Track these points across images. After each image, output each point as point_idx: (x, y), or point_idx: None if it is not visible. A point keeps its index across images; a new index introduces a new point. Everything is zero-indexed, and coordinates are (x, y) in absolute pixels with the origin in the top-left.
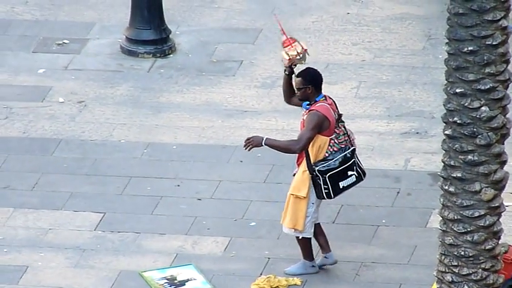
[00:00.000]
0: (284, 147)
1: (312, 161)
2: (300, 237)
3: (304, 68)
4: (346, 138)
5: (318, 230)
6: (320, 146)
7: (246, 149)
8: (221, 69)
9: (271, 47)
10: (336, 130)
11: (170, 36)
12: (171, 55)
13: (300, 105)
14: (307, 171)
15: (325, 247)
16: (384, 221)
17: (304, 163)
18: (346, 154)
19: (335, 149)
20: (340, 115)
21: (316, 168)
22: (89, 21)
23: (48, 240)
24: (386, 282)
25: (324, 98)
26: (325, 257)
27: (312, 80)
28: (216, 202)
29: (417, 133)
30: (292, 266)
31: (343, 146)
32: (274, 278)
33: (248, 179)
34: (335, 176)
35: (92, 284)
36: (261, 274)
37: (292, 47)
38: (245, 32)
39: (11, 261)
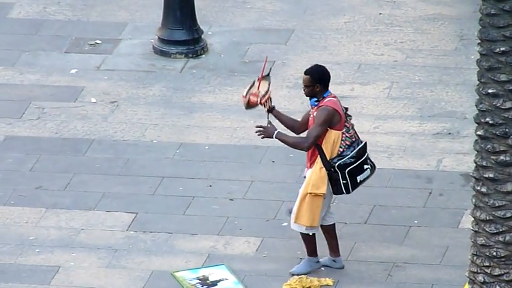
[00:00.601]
0: (292, 143)
1: (328, 158)
2: (311, 234)
3: (313, 65)
4: (354, 132)
5: (332, 233)
6: (334, 140)
7: (257, 134)
8: (253, 70)
9: (303, 48)
10: (346, 124)
11: (202, 36)
12: (203, 55)
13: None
14: (324, 168)
15: (335, 251)
16: (416, 221)
17: (318, 161)
18: (360, 148)
19: (347, 143)
20: (346, 109)
21: (335, 164)
22: (121, 22)
23: (81, 240)
24: (418, 282)
25: (330, 94)
26: (333, 260)
27: (321, 79)
28: (248, 202)
29: (449, 134)
30: (297, 265)
31: (353, 139)
32: (306, 279)
33: (280, 179)
34: (353, 170)
35: (124, 284)
36: (293, 274)
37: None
38: (277, 33)
39: (43, 261)
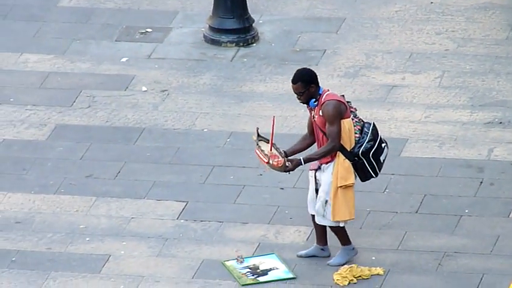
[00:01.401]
0: (322, 154)
1: (348, 148)
2: (342, 225)
3: (297, 71)
4: (358, 116)
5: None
6: (348, 129)
7: (288, 173)
8: (304, 59)
9: (355, 36)
10: (351, 109)
11: (253, 25)
12: (254, 44)
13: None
14: (347, 160)
15: (323, 240)
16: (466, 211)
17: (339, 154)
18: (372, 129)
19: (358, 127)
20: (343, 96)
21: (359, 152)
22: (172, 10)
23: (131, 229)
24: (469, 272)
25: (323, 89)
26: (322, 249)
27: (311, 79)
28: (299, 191)
29: (500, 123)
30: (334, 257)
31: (362, 123)
32: (357, 268)
33: None
34: (376, 152)
35: (174, 273)
36: (343, 264)
37: (272, 154)
38: (328, 21)
39: (93, 250)
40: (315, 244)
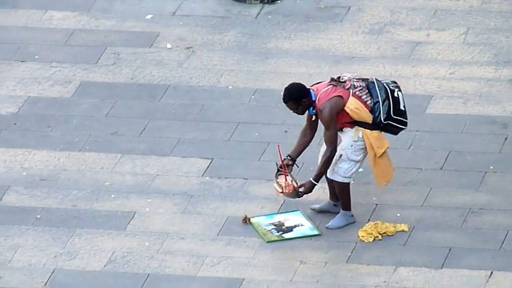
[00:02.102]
0: (327, 162)
1: (370, 121)
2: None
3: (285, 89)
4: (357, 80)
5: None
6: (357, 107)
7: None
8: (329, 16)
9: None
10: (347, 88)
11: None
12: (279, 1)
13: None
14: (374, 131)
15: (336, 196)
16: (491, 167)
17: (361, 129)
18: (379, 88)
19: (364, 93)
20: (338, 77)
21: (382, 120)
22: None
23: (156, 186)
24: (494, 228)
25: (314, 92)
26: (334, 204)
27: (301, 94)
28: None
29: None
30: (332, 220)
31: (364, 85)
32: (382, 224)
33: None
34: (395, 107)
35: (199, 230)
36: (368, 220)
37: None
38: None
39: (118, 207)
40: (328, 200)
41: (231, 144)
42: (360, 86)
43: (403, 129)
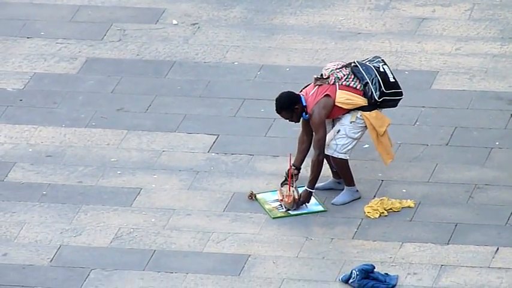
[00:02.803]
0: (317, 168)
1: (366, 103)
2: (347, 157)
3: (276, 100)
4: (341, 70)
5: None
6: (348, 98)
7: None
8: None
9: None
10: (332, 82)
11: None
12: None
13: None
14: (372, 111)
15: (338, 173)
16: (497, 143)
17: (363, 112)
18: (364, 69)
19: (351, 79)
20: (321, 75)
21: (376, 99)
22: None
23: (162, 162)
24: (500, 204)
25: (304, 97)
26: (338, 182)
27: (292, 102)
28: (330, 125)
29: None
30: (338, 196)
31: (348, 72)
32: (388, 200)
33: None
34: (385, 81)
35: (205, 206)
36: (374, 196)
37: (289, 191)
38: None
39: (124, 183)
40: (331, 177)
41: (237, 120)
42: (345, 75)
43: (400, 99)
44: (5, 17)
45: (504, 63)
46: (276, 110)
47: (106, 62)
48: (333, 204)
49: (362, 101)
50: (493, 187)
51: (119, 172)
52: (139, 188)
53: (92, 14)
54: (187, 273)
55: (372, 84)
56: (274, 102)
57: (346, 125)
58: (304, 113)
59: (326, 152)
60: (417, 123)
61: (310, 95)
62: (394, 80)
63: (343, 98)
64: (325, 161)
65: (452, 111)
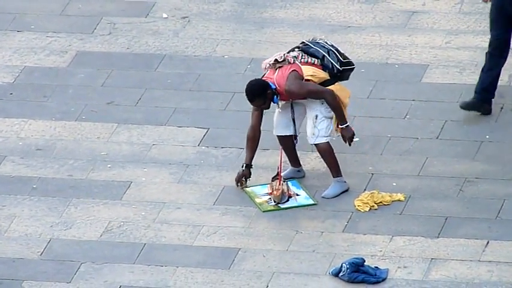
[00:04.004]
0: (338, 107)
1: (329, 77)
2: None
3: (246, 89)
4: (293, 51)
5: (293, 144)
6: (315, 72)
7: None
8: None
9: None
10: (293, 61)
11: None
12: None
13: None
14: (336, 84)
15: (297, 161)
16: (487, 136)
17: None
18: (311, 44)
19: (307, 57)
20: (272, 64)
21: (339, 67)
22: None
23: (152, 155)
24: (490, 197)
25: (270, 80)
26: (298, 170)
27: (263, 88)
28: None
29: None
30: (328, 189)
31: (304, 51)
32: (378, 194)
33: (352, 95)
34: (339, 53)
35: (195, 200)
36: (364, 190)
37: (279, 185)
38: None
39: (114, 176)
40: (290, 167)
41: (227, 113)
42: (299, 54)
43: (353, 70)
44: None
45: None
46: (249, 98)
47: (96, 56)
48: (323, 197)
49: (325, 75)
50: (483, 180)
51: (109, 165)
52: (129, 181)
53: (82, 7)
54: (177, 267)
55: (329, 56)
56: (245, 92)
57: (319, 108)
58: (275, 96)
59: (314, 142)
60: (407, 116)
61: (276, 77)
62: (342, 51)
63: (309, 71)
64: (283, 152)
65: (443, 104)
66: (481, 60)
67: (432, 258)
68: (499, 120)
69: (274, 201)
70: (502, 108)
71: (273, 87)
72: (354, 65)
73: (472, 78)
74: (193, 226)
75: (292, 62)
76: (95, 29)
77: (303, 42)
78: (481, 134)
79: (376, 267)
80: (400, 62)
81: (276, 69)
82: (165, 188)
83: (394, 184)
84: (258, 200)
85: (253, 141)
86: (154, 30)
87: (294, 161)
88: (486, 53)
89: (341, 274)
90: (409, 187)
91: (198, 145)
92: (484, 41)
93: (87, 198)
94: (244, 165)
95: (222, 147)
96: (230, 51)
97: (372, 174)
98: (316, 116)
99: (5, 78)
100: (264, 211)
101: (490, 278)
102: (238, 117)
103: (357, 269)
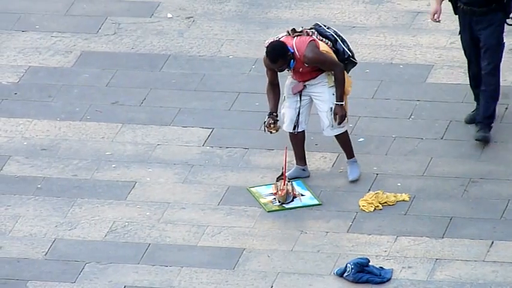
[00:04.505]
0: (342, 79)
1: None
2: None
3: (269, 50)
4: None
5: (303, 141)
6: (328, 50)
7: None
8: None
9: None
10: (310, 34)
11: None
12: None
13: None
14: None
15: (304, 160)
16: (492, 137)
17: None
18: (325, 28)
19: (320, 38)
20: (292, 31)
21: (350, 54)
22: None
23: (157, 155)
24: (495, 198)
25: (291, 45)
26: (303, 169)
27: (286, 48)
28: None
29: None
30: (351, 173)
31: (316, 33)
32: (383, 194)
33: (356, 94)
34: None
35: (200, 200)
36: (369, 190)
37: (283, 185)
38: None
39: (119, 176)
40: (296, 166)
41: (232, 113)
42: (315, 33)
43: (355, 64)
44: None
45: None
46: (272, 59)
47: (101, 56)
48: (352, 181)
49: (335, 57)
50: (487, 181)
51: (113, 165)
52: (134, 181)
53: (86, 7)
54: (181, 267)
55: (340, 41)
56: (267, 54)
57: (330, 99)
58: (292, 61)
59: (335, 134)
60: (412, 116)
61: (296, 41)
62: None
63: (325, 47)
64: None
65: (447, 104)
66: None
67: (437, 259)
68: (504, 121)
69: (279, 202)
70: (506, 108)
71: (291, 51)
72: (355, 59)
73: None
74: (198, 226)
75: (310, 34)
76: (100, 29)
77: (317, 24)
78: None
79: (381, 267)
80: (405, 62)
81: (294, 37)
82: (169, 188)
83: (399, 184)
84: (262, 200)
85: (273, 93)
86: (159, 30)
87: (301, 159)
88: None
89: (346, 274)
90: (413, 187)
91: (203, 145)
92: None
93: (92, 198)
94: (268, 113)
95: (227, 148)
96: (235, 51)
97: (377, 174)
98: (331, 108)
99: (9, 78)
100: (268, 211)
101: (495, 278)
102: (243, 117)
103: (362, 269)
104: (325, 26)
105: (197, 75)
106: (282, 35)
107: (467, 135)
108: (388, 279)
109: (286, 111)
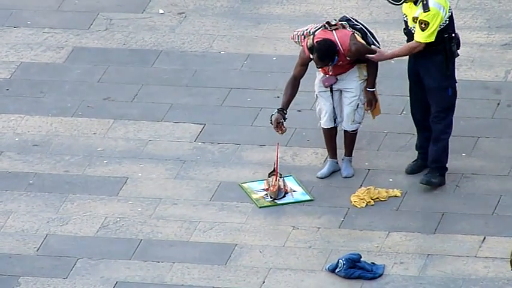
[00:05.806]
0: (376, 69)
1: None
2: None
3: (319, 48)
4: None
5: (335, 135)
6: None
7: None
8: None
9: None
10: (346, 27)
11: None
12: None
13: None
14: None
15: (336, 153)
16: (484, 132)
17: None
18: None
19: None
20: (328, 25)
21: (379, 46)
22: None
23: (148, 151)
24: (487, 193)
25: (336, 38)
26: (336, 162)
27: (335, 48)
28: (316, 113)
29: None
30: (346, 170)
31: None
32: (374, 190)
33: None
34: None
35: (191, 195)
36: (361, 186)
37: (275, 180)
38: None
39: (111, 172)
40: (330, 160)
41: (224, 109)
42: (346, 26)
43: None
44: None
45: (491, 52)
46: (322, 58)
47: (92, 51)
48: (346, 177)
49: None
50: (479, 176)
51: (105, 161)
52: (125, 177)
53: (78, 3)
54: (173, 263)
55: (369, 34)
56: (319, 52)
57: (359, 94)
58: (336, 57)
59: (348, 129)
60: (404, 112)
61: (338, 36)
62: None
63: (361, 39)
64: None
65: None
66: (477, 56)
67: (429, 254)
68: (496, 116)
69: (271, 197)
70: (498, 104)
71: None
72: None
73: (468, 74)
74: (190, 222)
75: (346, 27)
76: (91, 24)
77: (345, 16)
78: (477, 129)
79: (373, 263)
80: (397, 58)
81: (332, 31)
82: (161, 184)
83: (391, 180)
84: (254, 196)
85: (293, 88)
86: (151, 26)
87: (334, 153)
88: None
89: (337, 270)
90: (405, 183)
91: (195, 141)
92: (480, 37)
93: (84, 194)
94: (277, 108)
95: (219, 143)
96: (227, 47)
97: (369, 170)
98: (358, 105)
99: (1, 74)
100: (260, 207)
101: (487, 274)
102: (234, 113)
103: (354, 265)
104: (353, 18)
105: (189, 70)
106: (314, 28)
107: (460, 131)
108: (380, 275)
109: (323, 108)
